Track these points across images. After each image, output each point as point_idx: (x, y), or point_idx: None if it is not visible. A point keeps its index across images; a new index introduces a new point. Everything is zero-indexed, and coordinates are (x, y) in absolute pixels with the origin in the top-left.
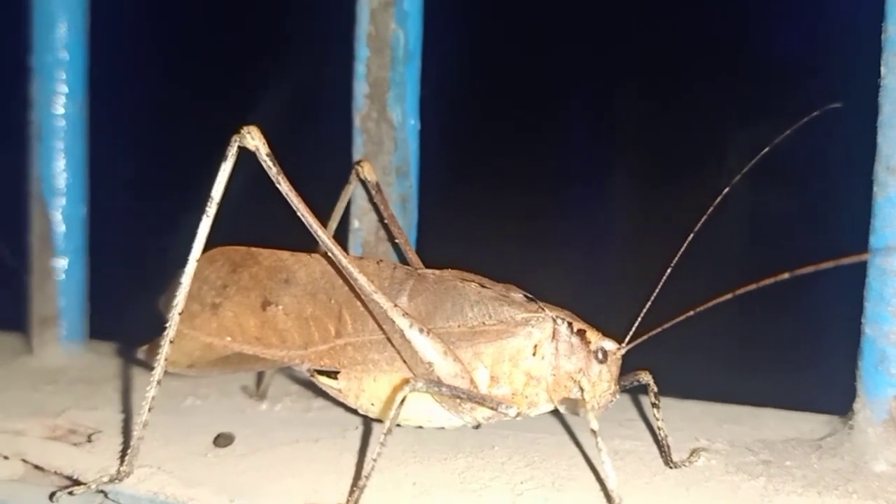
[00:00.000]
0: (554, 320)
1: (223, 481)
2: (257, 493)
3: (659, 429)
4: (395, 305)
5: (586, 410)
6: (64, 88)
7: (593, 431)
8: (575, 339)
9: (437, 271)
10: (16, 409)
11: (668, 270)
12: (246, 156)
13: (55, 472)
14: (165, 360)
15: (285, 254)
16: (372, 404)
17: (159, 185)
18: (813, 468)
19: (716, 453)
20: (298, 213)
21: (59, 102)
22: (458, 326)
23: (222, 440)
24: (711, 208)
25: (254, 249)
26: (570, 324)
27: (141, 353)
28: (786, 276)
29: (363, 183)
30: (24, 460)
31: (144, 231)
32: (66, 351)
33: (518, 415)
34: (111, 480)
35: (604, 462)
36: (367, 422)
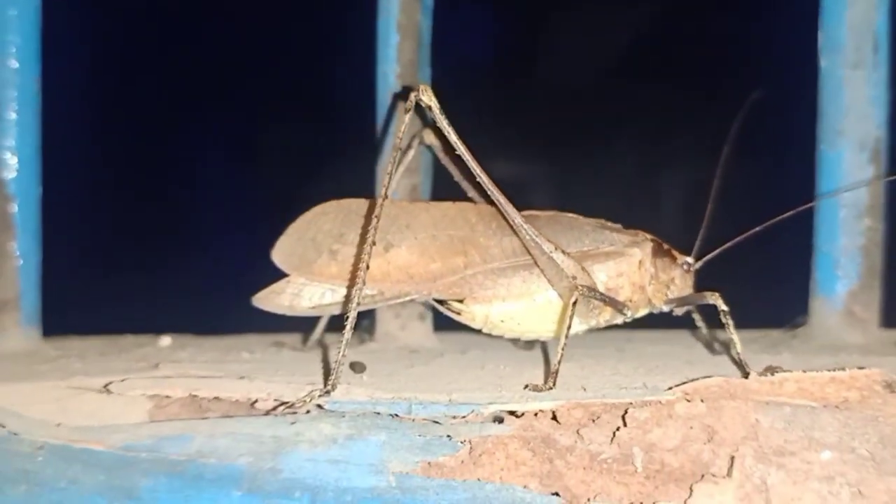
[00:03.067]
0: (652, 242)
1: (421, 385)
2: (462, 388)
3: (734, 343)
4: (540, 234)
5: (668, 306)
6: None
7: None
8: (666, 257)
9: (540, 212)
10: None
11: (710, 205)
12: None
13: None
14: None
15: (403, 202)
16: (501, 321)
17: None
18: (798, 348)
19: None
20: (468, 164)
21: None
22: (578, 251)
23: (357, 367)
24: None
25: (369, 200)
26: (661, 244)
27: (256, 301)
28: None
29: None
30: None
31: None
32: (24, 336)
33: (630, 316)
34: (325, 393)
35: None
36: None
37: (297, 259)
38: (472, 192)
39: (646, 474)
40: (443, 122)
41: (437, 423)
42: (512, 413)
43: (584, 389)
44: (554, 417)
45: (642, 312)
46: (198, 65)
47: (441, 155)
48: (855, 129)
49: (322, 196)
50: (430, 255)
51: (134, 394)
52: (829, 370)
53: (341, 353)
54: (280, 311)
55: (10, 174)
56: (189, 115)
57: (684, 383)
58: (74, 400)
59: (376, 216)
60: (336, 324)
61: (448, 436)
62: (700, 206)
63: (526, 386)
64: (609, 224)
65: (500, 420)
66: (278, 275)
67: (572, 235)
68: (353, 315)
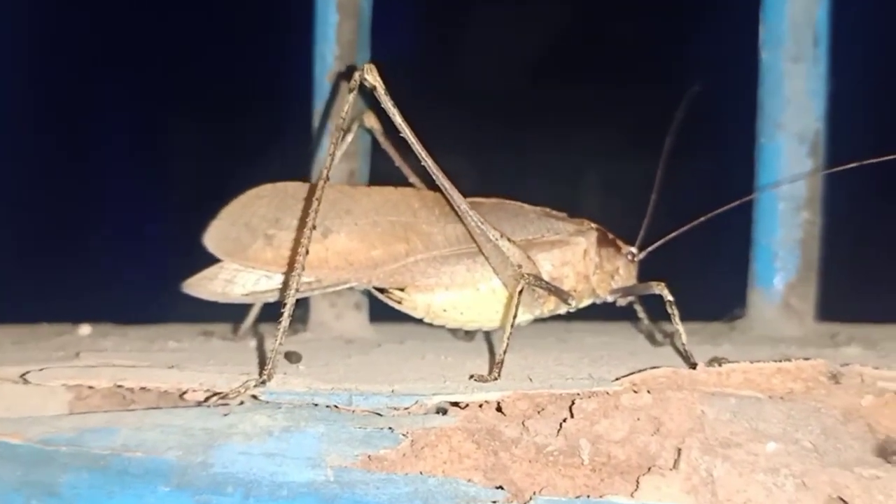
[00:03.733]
0: (597, 231)
1: (361, 376)
2: (404, 379)
3: (680, 334)
4: (485, 221)
5: (615, 297)
6: None
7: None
8: (611, 246)
9: (484, 199)
10: None
11: (654, 196)
12: None
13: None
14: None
15: (344, 186)
16: (444, 310)
17: None
18: (737, 340)
19: None
20: (413, 147)
21: None
22: (523, 239)
23: (293, 357)
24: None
25: (304, 184)
26: (605, 233)
27: (186, 287)
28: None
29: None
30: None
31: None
32: None
33: (575, 306)
34: (260, 384)
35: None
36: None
37: (230, 244)
38: (413, 178)
39: (592, 467)
40: (388, 104)
41: (378, 414)
42: (455, 404)
43: (531, 380)
44: (499, 409)
45: (586, 302)
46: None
47: (381, 139)
48: (794, 122)
49: (256, 181)
50: (370, 242)
51: (53, 384)
52: (774, 361)
53: (277, 342)
54: (212, 298)
55: None
56: (112, 96)
57: (631, 374)
58: None
59: (317, 199)
60: (268, 313)
61: (389, 428)
62: (625, 198)
63: (471, 376)
64: (554, 212)
65: (443, 412)
66: (207, 262)
67: (517, 223)
68: (290, 302)
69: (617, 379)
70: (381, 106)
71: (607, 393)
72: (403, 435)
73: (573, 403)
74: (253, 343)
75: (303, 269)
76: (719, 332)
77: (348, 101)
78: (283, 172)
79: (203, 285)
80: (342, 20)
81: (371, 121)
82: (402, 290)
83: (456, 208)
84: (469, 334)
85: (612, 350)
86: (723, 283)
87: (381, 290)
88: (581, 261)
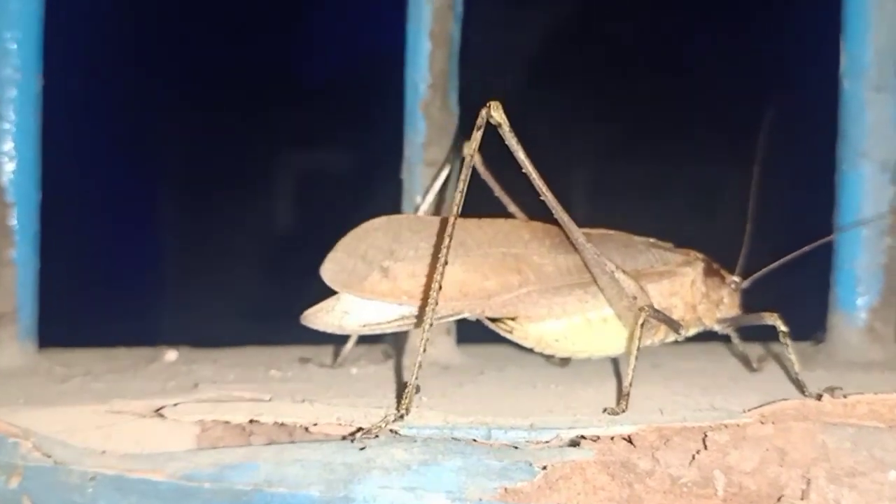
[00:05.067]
0: (703, 261)
1: (493, 408)
2: (534, 411)
3: (793, 363)
4: (600, 254)
5: (722, 326)
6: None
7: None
8: (716, 276)
9: (592, 229)
10: None
11: (749, 225)
12: None
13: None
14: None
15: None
16: (556, 340)
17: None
18: (826, 363)
19: None
20: (534, 182)
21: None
22: (633, 269)
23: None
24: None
25: (419, 216)
26: (710, 263)
27: (304, 320)
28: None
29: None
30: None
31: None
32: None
33: (683, 336)
34: (398, 418)
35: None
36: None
37: (346, 276)
38: (512, 208)
39: (724, 497)
40: (512, 141)
41: (514, 447)
42: (582, 437)
43: (661, 412)
44: (629, 441)
45: (692, 331)
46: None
47: (481, 169)
48: (877, 150)
49: (347, 213)
50: (483, 273)
51: (190, 419)
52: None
53: (413, 377)
54: (330, 330)
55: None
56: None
57: (762, 406)
58: (116, 426)
59: (448, 235)
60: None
61: (527, 461)
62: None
63: (605, 409)
64: (660, 243)
65: (576, 444)
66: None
67: (627, 254)
68: (425, 335)
69: (747, 410)
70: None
71: (737, 425)
72: (541, 468)
73: (705, 435)
74: (354, 370)
75: (437, 303)
76: (806, 356)
77: (477, 138)
78: (374, 203)
79: (320, 317)
80: (434, 49)
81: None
82: (513, 319)
83: (573, 240)
84: (564, 360)
85: (715, 377)
86: (801, 306)
87: (493, 320)
88: (689, 291)
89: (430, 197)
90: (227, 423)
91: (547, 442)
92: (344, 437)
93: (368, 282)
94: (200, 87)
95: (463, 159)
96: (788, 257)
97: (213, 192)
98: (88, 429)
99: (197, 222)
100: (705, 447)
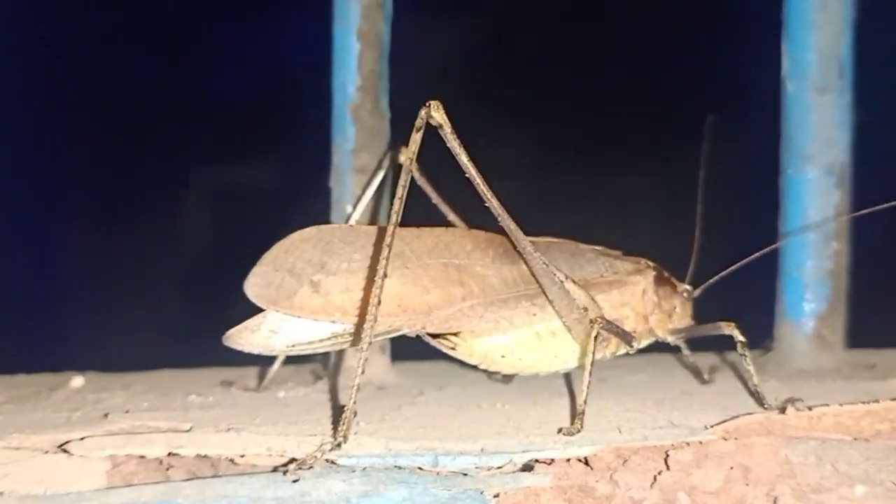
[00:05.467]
0: (654, 269)
1: (437, 432)
2: (482, 434)
3: (751, 375)
4: (549, 264)
5: (675, 337)
6: None
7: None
8: (667, 285)
9: (537, 238)
10: None
11: (697, 233)
12: None
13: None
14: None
15: (391, 228)
16: (502, 356)
17: None
18: (776, 373)
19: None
20: (478, 188)
21: None
22: (581, 279)
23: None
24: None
25: (353, 226)
26: (661, 272)
27: (227, 340)
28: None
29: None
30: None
31: None
32: None
33: (635, 348)
34: (336, 446)
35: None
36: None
37: (273, 291)
38: (451, 216)
39: None
40: (454, 143)
41: (463, 474)
42: (536, 461)
43: (619, 431)
44: (585, 462)
45: (644, 343)
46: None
47: (417, 176)
48: (822, 153)
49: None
50: (423, 286)
51: (99, 454)
52: (862, 402)
53: (352, 401)
54: (256, 351)
55: None
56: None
57: (724, 421)
58: (16, 463)
59: (387, 245)
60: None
61: (478, 489)
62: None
63: (559, 430)
64: (609, 251)
65: (528, 468)
66: None
67: (574, 263)
68: (364, 355)
69: (709, 427)
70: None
71: (700, 442)
72: (492, 496)
73: (667, 455)
74: (281, 394)
75: (375, 320)
76: (755, 365)
77: (416, 140)
78: (297, 216)
79: (245, 337)
80: (364, 49)
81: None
82: (455, 335)
83: (519, 249)
84: (507, 377)
85: (667, 391)
86: (747, 314)
87: (434, 336)
88: (640, 301)
89: (362, 206)
90: (141, 457)
91: (499, 468)
92: (275, 469)
93: (297, 297)
94: (114, 105)
95: (397, 165)
96: (738, 264)
97: (124, 211)
98: None
99: (107, 242)
100: (667, 467)
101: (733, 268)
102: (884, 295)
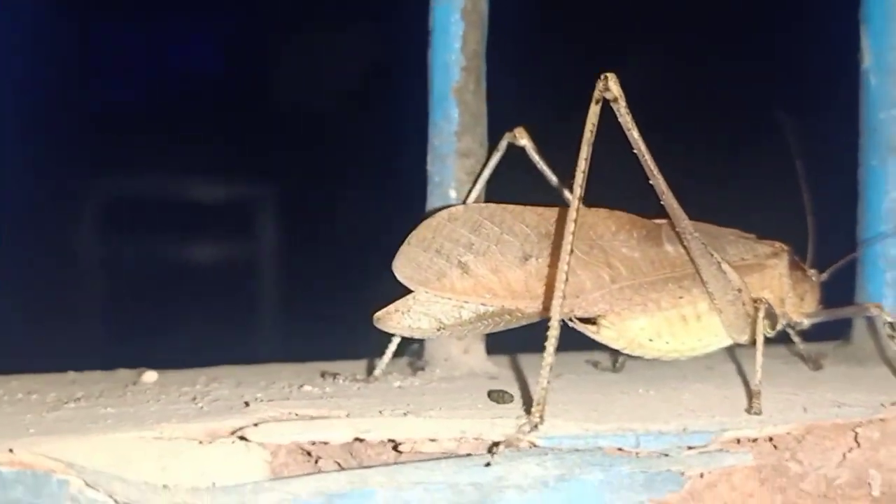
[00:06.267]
0: (787, 253)
1: (614, 412)
2: (686, 416)
3: None
4: (706, 245)
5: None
6: None
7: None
8: (799, 269)
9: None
10: None
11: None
12: None
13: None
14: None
15: (539, 208)
16: (649, 339)
17: None
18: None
19: None
20: (645, 165)
21: None
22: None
23: (495, 395)
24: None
25: (502, 205)
26: (794, 256)
27: (378, 322)
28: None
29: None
30: None
31: None
32: None
33: (774, 331)
34: (533, 428)
35: None
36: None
37: (423, 272)
38: (568, 198)
39: (878, 497)
40: (627, 118)
41: (665, 455)
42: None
43: (804, 410)
44: (771, 442)
45: (780, 327)
46: None
47: (535, 156)
48: None
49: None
50: (572, 268)
51: (280, 440)
52: None
53: (545, 380)
54: (405, 334)
55: None
56: None
57: None
58: (172, 455)
59: (572, 220)
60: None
61: (678, 470)
62: None
63: (747, 409)
64: (745, 234)
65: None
66: None
67: (719, 245)
68: (555, 332)
69: (888, 405)
70: None
71: (881, 420)
72: (696, 476)
73: (856, 432)
74: (397, 384)
75: (563, 297)
76: (848, 353)
77: (595, 111)
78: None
79: (396, 319)
80: (468, 29)
81: (523, 138)
82: (602, 318)
83: (679, 229)
84: (617, 366)
85: (797, 375)
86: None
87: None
88: (778, 284)
89: (478, 189)
90: (324, 443)
91: (704, 447)
92: (468, 454)
93: (448, 279)
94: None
95: (511, 146)
96: (858, 251)
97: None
98: (143, 459)
99: None
100: (857, 444)
101: (853, 255)
102: None
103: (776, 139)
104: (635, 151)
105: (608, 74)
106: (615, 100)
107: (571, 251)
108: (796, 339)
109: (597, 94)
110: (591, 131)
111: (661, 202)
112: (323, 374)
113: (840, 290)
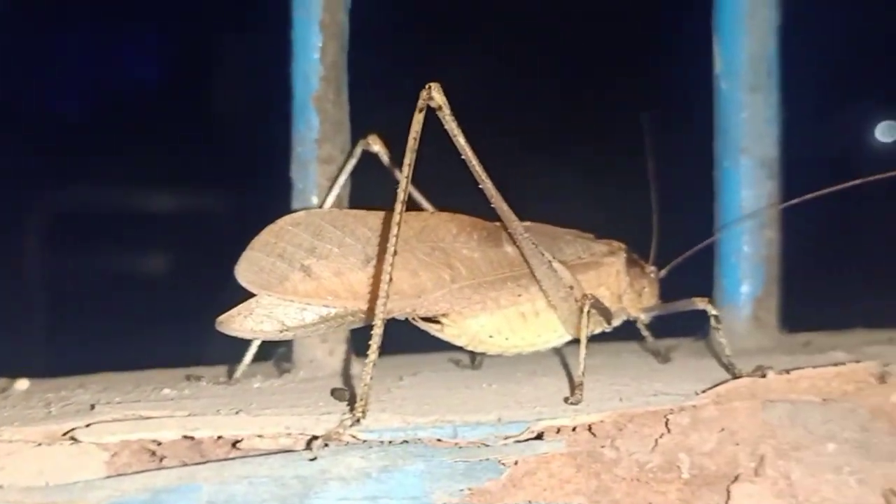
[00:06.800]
0: (625, 251)
1: (436, 405)
2: (496, 406)
3: (723, 347)
4: (537, 245)
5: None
6: None
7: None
8: (637, 266)
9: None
10: None
11: (655, 216)
12: None
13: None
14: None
15: (382, 212)
16: (489, 336)
17: None
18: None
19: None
20: (473, 170)
21: None
22: (560, 261)
23: (337, 393)
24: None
25: (345, 210)
26: (631, 254)
27: (220, 326)
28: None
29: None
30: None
31: None
32: None
33: (611, 326)
34: (355, 422)
35: None
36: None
37: (264, 276)
38: (423, 203)
39: (687, 479)
40: (452, 125)
41: (482, 445)
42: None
43: (620, 399)
44: (589, 430)
45: (616, 322)
46: None
47: (387, 161)
48: (755, 146)
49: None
50: (412, 270)
51: (110, 440)
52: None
53: (369, 377)
54: (248, 336)
55: None
56: None
57: (713, 387)
58: (9, 456)
59: (396, 224)
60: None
61: (495, 459)
62: None
63: (566, 399)
64: (583, 234)
65: (538, 437)
66: None
67: (555, 245)
68: (378, 332)
69: (701, 392)
70: None
71: (694, 406)
72: (511, 464)
73: (667, 419)
74: (257, 385)
75: (387, 297)
76: (694, 349)
77: (418, 120)
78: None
79: (239, 322)
80: (326, 41)
81: (376, 144)
82: (444, 317)
83: (511, 231)
84: (476, 362)
85: (638, 368)
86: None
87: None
88: (614, 281)
89: (334, 195)
90: (160, 443)
91: (518, 436)
92: (305, 448)
93: (290, 282)
94: None
95: (366, 153)
96: (696, 248)
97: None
98: None
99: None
100: (668, 430)
101: (692, 251)
102: (813, 279)
103: (630, 140)
104: (463, 157)
105: (432, 84)
106: (440, 108)
107: (395, 253)
108: (645, 333)
109: (420, 102)
110: (415, 139)
111: (491, 205)
112: (188, 378)
113: (701, 286)
